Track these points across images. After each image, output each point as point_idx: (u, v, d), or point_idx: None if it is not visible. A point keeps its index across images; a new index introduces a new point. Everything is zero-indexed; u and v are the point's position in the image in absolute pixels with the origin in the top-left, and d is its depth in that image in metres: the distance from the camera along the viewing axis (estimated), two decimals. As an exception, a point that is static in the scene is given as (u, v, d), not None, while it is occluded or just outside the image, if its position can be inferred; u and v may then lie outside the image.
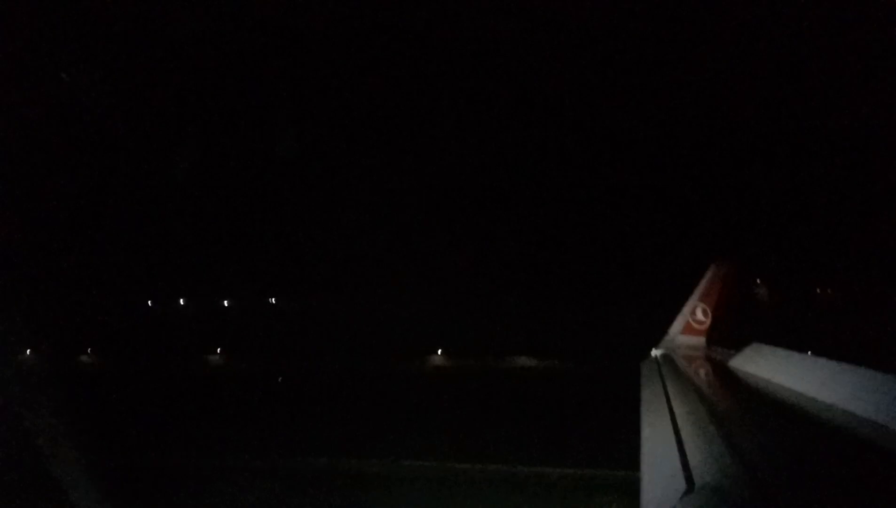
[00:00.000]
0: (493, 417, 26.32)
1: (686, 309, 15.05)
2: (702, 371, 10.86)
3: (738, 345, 10.61)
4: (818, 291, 60.27)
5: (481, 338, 48.83)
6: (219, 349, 51.17)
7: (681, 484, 4.22)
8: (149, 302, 72.64)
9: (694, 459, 4.68)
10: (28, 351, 46.67)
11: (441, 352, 48.54)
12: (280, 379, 37.92)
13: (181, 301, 75.60)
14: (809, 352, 8.15)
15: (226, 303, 76.26)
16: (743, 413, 6.88)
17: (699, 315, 14.88)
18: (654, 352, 13.57)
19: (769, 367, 8.28)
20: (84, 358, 49.80)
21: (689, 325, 14.83)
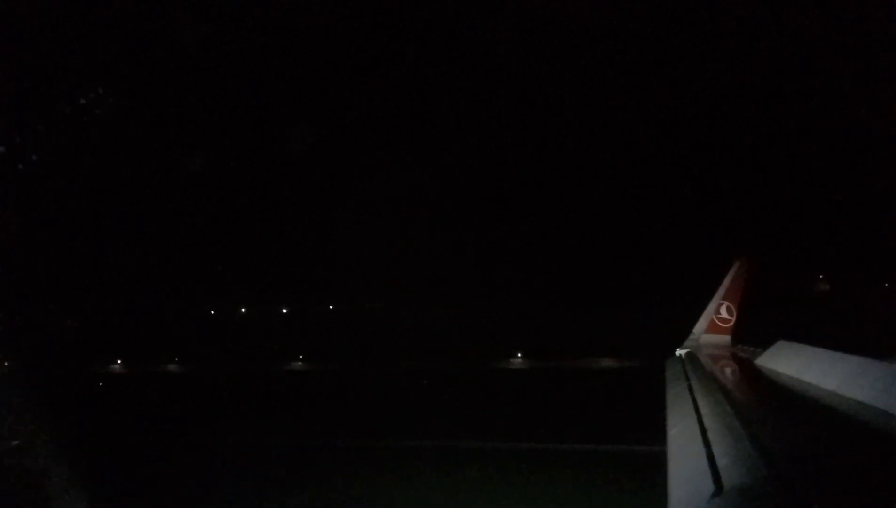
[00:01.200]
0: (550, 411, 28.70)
1: (710, 308, 14.43)
2: (728, 370, 10.35)
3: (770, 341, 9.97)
4: (886, 285, 57.41)
5: (510, 341, 48.35)
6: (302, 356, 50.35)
7: (709, 486, 3.91)
8: (212, 310, 74.30)
9: (722, 460, 4.35)
10: (118, 361, 48.00)
11: (520, 354, 48.40)
12: (425, 381, 38.41)
13: (243, 309, 77.27)
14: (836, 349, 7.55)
15: (285, 310, 77.40)
16: (771, 412, 6.46)
17: (724, 313, 14.25)
18: (679, 351, 13.06)
19: (797, 365, 7.78)
20: (180, 366, 49.69)
21: (713, 323, 14.22)
